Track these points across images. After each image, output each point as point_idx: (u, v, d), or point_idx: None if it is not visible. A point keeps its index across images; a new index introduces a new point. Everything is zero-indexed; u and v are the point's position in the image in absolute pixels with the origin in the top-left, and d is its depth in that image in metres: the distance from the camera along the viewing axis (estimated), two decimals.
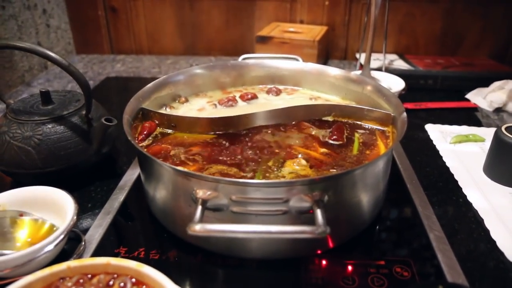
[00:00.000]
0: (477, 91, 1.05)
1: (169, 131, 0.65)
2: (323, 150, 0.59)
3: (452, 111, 0.98)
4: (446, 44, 1.35)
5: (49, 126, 0.62)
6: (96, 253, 0.53)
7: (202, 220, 0.42)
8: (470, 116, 0.96)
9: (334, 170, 0.54)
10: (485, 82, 1.05)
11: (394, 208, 0.62)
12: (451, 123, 0.90)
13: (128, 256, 0.52)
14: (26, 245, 0.51)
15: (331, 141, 0.62)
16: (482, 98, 1.01)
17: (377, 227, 0.58)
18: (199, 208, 0.44)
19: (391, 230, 0.58)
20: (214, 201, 0.45)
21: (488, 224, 0.59)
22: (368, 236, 0.56)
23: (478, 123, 0.92)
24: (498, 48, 1.34)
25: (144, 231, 0.58)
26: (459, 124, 0.90)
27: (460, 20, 1.30)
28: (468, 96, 1.05)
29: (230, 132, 0.64)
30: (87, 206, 0.62)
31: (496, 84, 1.01)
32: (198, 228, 0.39)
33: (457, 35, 1.33)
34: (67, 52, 1.41)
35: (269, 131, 0.64)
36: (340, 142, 0.61)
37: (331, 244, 0.52)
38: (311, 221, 0.42)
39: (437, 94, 1.08)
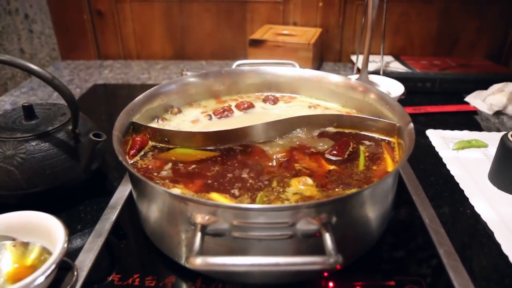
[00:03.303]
0: (476, 93, 1.03)
1: (159, 145, 0.62)
2: (329, 166, 0.57)
3: (451, 114, 0.96)
4: (441, 44, 1.33)
5: (33, 143, 0.58)
6: (87, 282, 0.49)
7: (202, 249, 0.39)
8: (470, 120, 0.94)
9: (340, 189, 0.52)
10: (483, 84, 1.04)
11: (401, 223, 0.60)
12: (452, 128, 0.88)
13: (122, 284, 0.49)
14: (15, 271, 0.47)
15: (329, 156, 0.59)
16: (481, 101, 1.00)
17: (385, 244, 0.56)
18: (198, 235, 0.40)
19: (399, 246, 0.55)
20: (214, 226, 0.42)
21: (498, 237, 0.57)
22: (376, 254, 0.54)
23: (478, 127, 0.91)
24: (493, 48, 1.33)
25: (138, 254, 0.55)
26: (460, 128, 0.88)
27: (455, 20, 1.29)
28: (467, 99, 1.03)
29: (228, 147, 0.61)
30: (76, 228, 0.59)
31: (496, 86, 1.00)
32: (199, 262, 0.36)
33: (452, 35, 1.32)
34: (52, 59, 1.37)
35: (270, 147, 0.61)
36: (340, 158, 0.58)
37: (338, 265, 0.50)
38: (319, 245, 0.40)
39: (435, 97, 1.06)
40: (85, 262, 0.52)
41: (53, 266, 0.45)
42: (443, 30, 1.31)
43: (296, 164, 0.57)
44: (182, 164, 0.58)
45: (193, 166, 0.57)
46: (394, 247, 0.56)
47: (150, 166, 0.57)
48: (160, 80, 1.20)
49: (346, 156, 0.59)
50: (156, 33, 1.37)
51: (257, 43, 1.20)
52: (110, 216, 0.60)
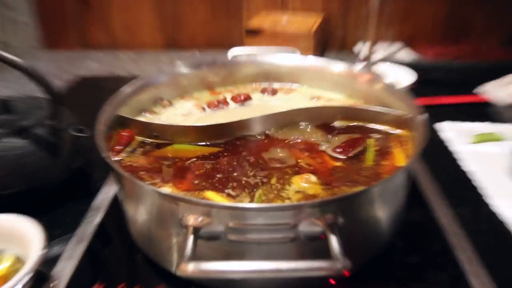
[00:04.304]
0: (492, 83, 1.00)
1: (148, 141, 0.60)
2: (334, 162, 0.55)
3: (466, 106, 0.94)
4: (453, 31, 1.31)
5: (8, 139, 0.56)
6: None
7: (194, 254, 0.37)
8: (486, 111, 0.91)
9: (347, 187, 0.50)
10: (500, 72, 1.01)
11: (415, 224, 0.57)
12: (466, 120, 0.85)
13: None
14: None
15: (332, 153, 0.57)
16: (498, 91, 0.96)
17: (398, 248, 0.53)
18: (191, 239, 0.39)
19: (414, 251, 0.53)
20: (208, 229, 0.40)
21: None
22: (388, 259, 0.52)
23: (495, 119, 0.87)
24: (509, 34, 1.30)
25: (124, 261, 0.53)
26: (475, 120, 0.85)
27: (468, 4, 1.25)
28: (482, 89, 1.00)
29: (230, 142, 0.59)
30: (56, 233, 0.56)
31: None
32: (191, 268, 0.34)
33: (465, 21, 1.28)
34: (33, 49, 1.33)
35: (268, 140, 0.60)
36: (344, 157, 0.56)
37: (346, 272, 0.48)
38: (324, 248, 0.38)
39: (448, 88, 1.02)
40: (64, 271, 0.50)
41: (27, 277, 0.42)
42: (455, 15, 1.28)
43: (298, 160, 0.56)
44: (174, 161, 0.56)
45: (186, 163, 0.55)
46: (408, 251, 0.54)
47: (137, 164, 0.55)
48: (150, 72, 1.17)
49: (351, 155, 0.57)
50: (146, 22, 1.35)
51: (254, 33, 1.17)
52: (93, 220, 0.58)
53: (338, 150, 0.57)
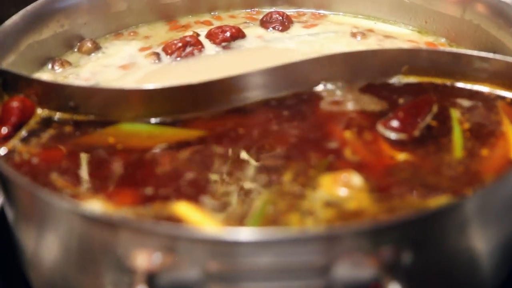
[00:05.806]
0: None
1: (56, 117, 0.60)
2: (393, 152, 0.53)
3: None
4: None
5: None
6: None
7: None
8: None
9: (417, 197, 0.49)
10: None
11: None
12: None
13: None
14: None
15: (384, 129, 0.56)
16: None
17: None
18: None
19: None
20: (171, 275, 0.40)
21: None
22: None
23: None
24: None
25: None
26: None
27: None
28: None
29: (194, 118, 0.58)
30: None
31: None
32: None
33: None
34: None
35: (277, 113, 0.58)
36: (405, 136, 0.55)
37: None
38: None
39: None
40: None
41: None
42: None
43: (331, 144, 0.55)
44: (111, 152, 0.55)
45: (147, 155, 0.54)
46: None
47: (40, 159, 0.55)
48: None
49: (417, 132, 0.56)
50: None
51: None
52: None
53: (392, 124, 0.56)
